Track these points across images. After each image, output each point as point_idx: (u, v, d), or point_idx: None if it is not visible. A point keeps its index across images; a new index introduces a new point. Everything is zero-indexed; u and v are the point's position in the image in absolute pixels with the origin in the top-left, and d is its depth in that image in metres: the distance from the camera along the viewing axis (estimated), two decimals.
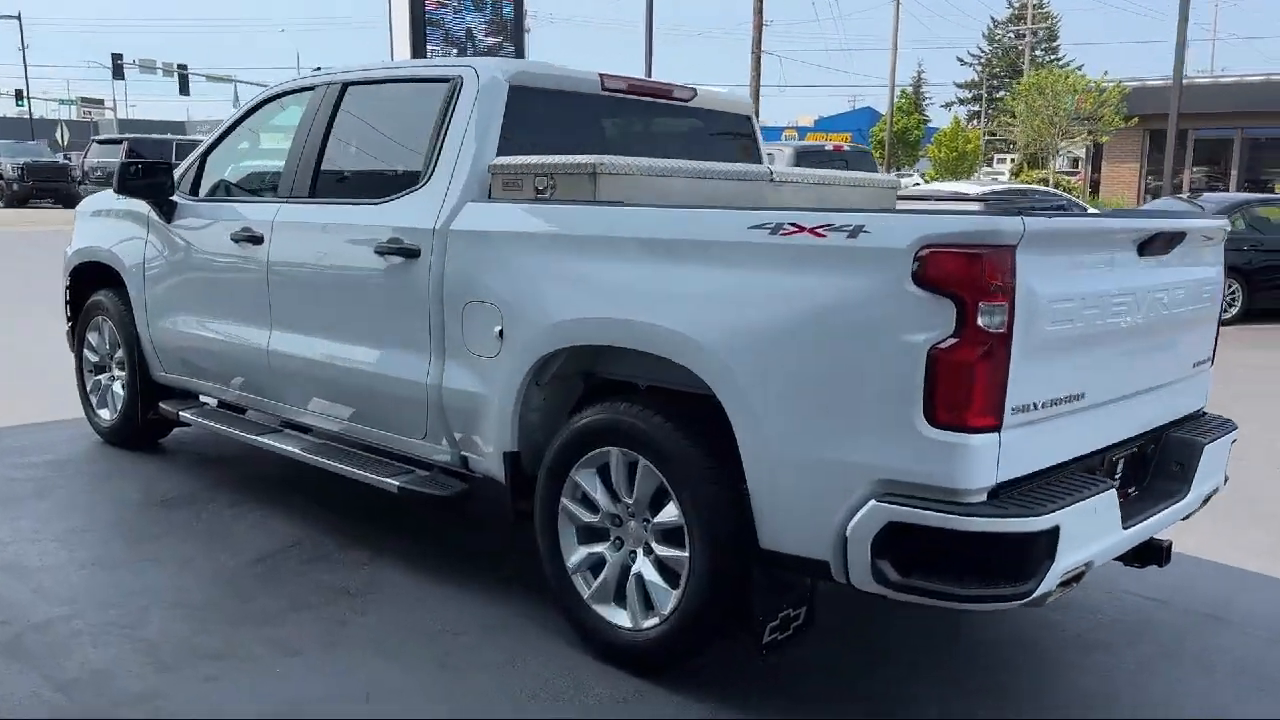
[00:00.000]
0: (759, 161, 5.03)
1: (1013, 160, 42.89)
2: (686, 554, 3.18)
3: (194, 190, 5.21)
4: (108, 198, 5.88)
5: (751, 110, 4.98)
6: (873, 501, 2.74)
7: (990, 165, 49.21)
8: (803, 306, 2.85)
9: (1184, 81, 23.66)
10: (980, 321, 2.61)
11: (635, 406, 3.29)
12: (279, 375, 4.63)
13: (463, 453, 3.96)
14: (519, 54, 21.94)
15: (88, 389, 6.04)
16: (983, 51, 70.30)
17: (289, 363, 4.55)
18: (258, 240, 4.62)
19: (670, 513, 3.22)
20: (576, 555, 3.52)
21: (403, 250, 3.95)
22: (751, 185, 4.08)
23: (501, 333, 3.62)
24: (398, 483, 4.08)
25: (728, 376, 2.98)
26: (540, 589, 3.74)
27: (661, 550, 3.28)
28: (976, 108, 66.72)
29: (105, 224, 5.78)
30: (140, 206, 5.37)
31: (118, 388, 5.80)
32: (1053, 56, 63.66)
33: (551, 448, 3.54)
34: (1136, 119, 27.52)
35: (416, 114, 4.33)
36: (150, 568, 4.09)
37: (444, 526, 4.65)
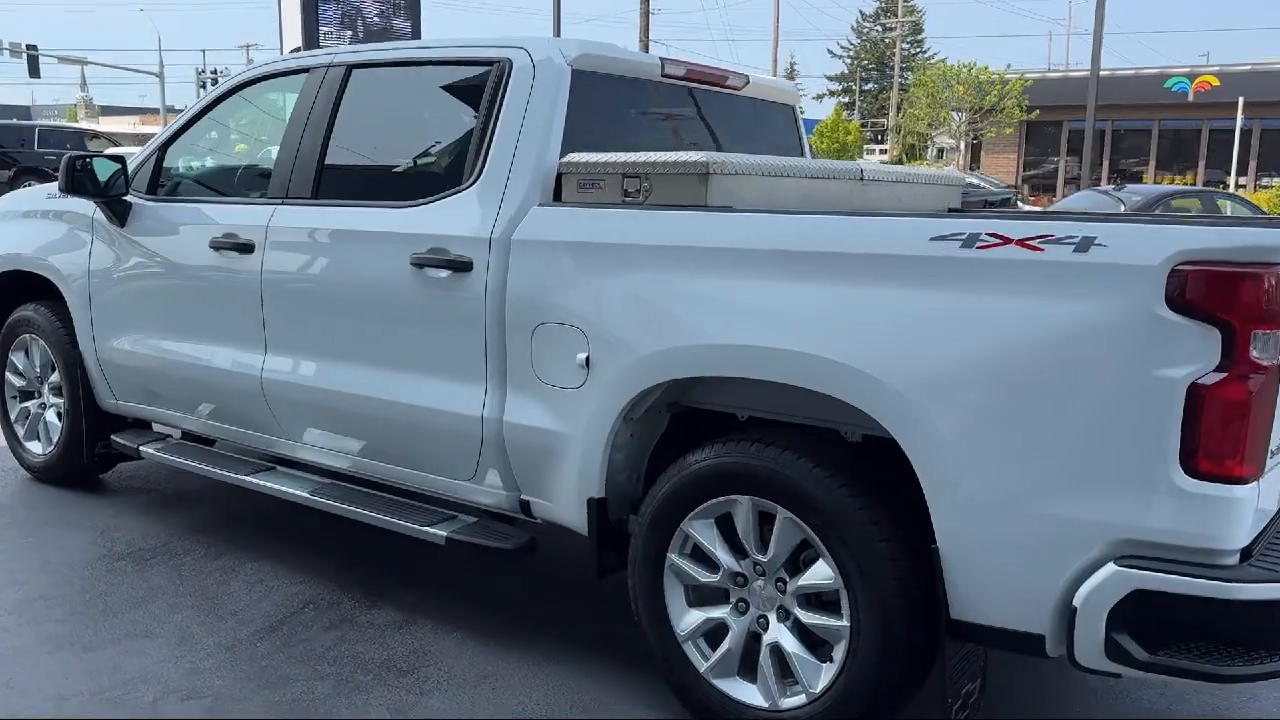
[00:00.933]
0: (804, 155, 4.58)
1: (882, 151, 43.81)
2: (845, 622, 2.71)
3: (151, 189, 4.47)
4: (35, 196, 5.06)
5: (798, 100, 4.51)
6: (1112, 565, 2.32)
7: (862, 157, 50.12)
8: (1015, 334, 2.40)
9: (1062, 75, 24.43)
10: (1254, 352, 2.21)
11: (774, 449, 2.80)
12: (275, 405, 3.96)
13: (525, 497, 3.40)
14: (415, 35, 20.95)
15: (11, 418, 5.20)
16: (851, 45, 71.36)
17: (288, 391, 3.89)
18: (246, 248, 3.94)
19: (820, 574, 2.74)
20: (688, 620, 3.01)
21: (449, 263, 3.35)
22: (844, 184, 3.62)
23: (588, 360, 3.07)
24: (445, 532, 3.49)
25: (914, 417, 2.51)
26: (628, 657, 3.22)
27: (807, 617, 2.80)
28: (847, 100, 67.70)
29: (34, 227, 4.95)
30: (82, 207, 4.60)
31: (52, 416, 4.99)
32: (919, 50, 65.18)
33: (655, 494, 3.01)
34: (1038, 111, 28.23)
35: (449, 102, 3.75)
36: (144, 646, 3.40)
37: (479, 578, 4.06)
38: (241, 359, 4.04)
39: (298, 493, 3.91)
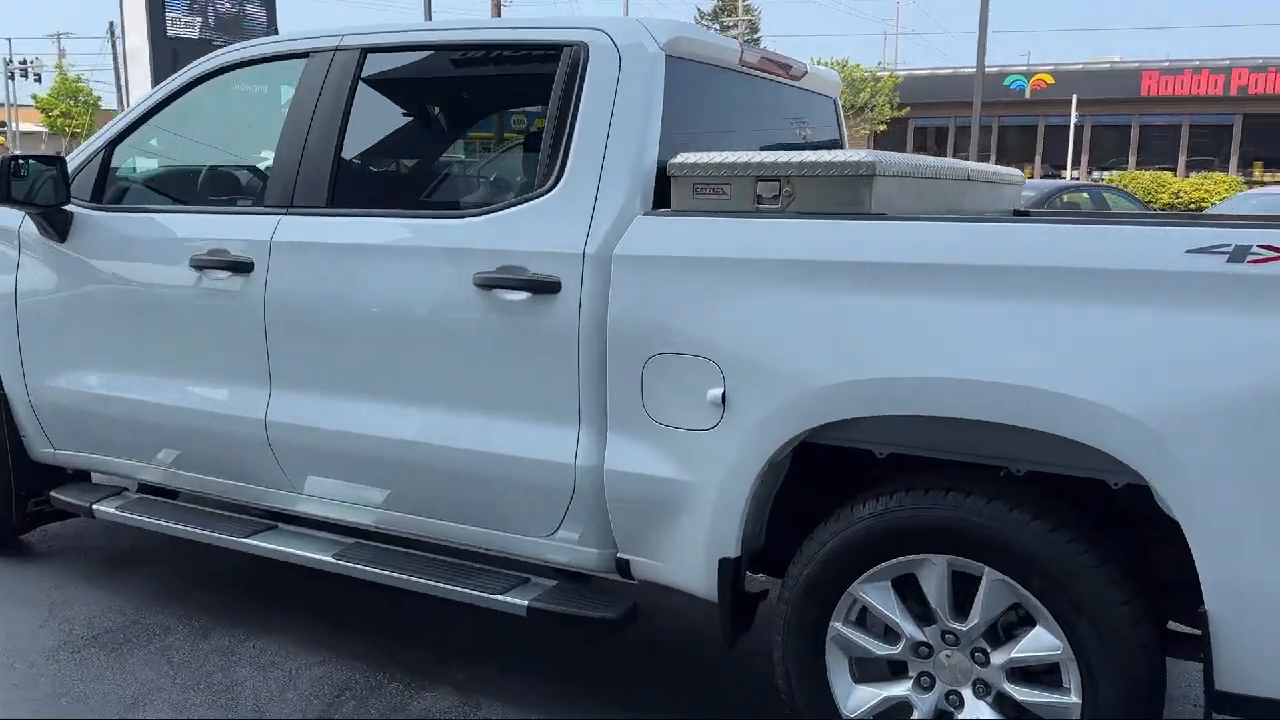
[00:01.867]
0: (844, 148, 4.20)
1: None
2: (1075, 699, 2.33)
3: (96, 197, 3.73)
4: None
5: (839, 90, 4.13)
6: None
7: None
8: None
9: (908, 74, 25.09)
10: None
11: (978, 498, 2.39)
12: (282, 452, 3.32)
13: (623, 555, 2.90)
14: (270, 24, 19.69)
15: None
16: None
17: (302, 436, 3.27)
18: (242, 268, 3.28)
19: (1042, 644, 2.35)
20: (858, 700, 2.58)
21: (529, 283, 2.82)
22: (954, 185, 3.25)
23: (724, 397, 2.59)
24: (525, 601, 2.96)
25: (1179, 461, 2.15)
26: None
27: (1023, 693, 2.41)
28: None
29: None
30: (7, 219, 3.81)
31: None
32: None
33: (813, 552, 2.57)
34: (908, 108, 28.82)
35: (505, 93, 3.22)
36: None
37: (534, 646, 3.51)
38: (235, 398, 3.38)
39: (319, 557, 3.29)
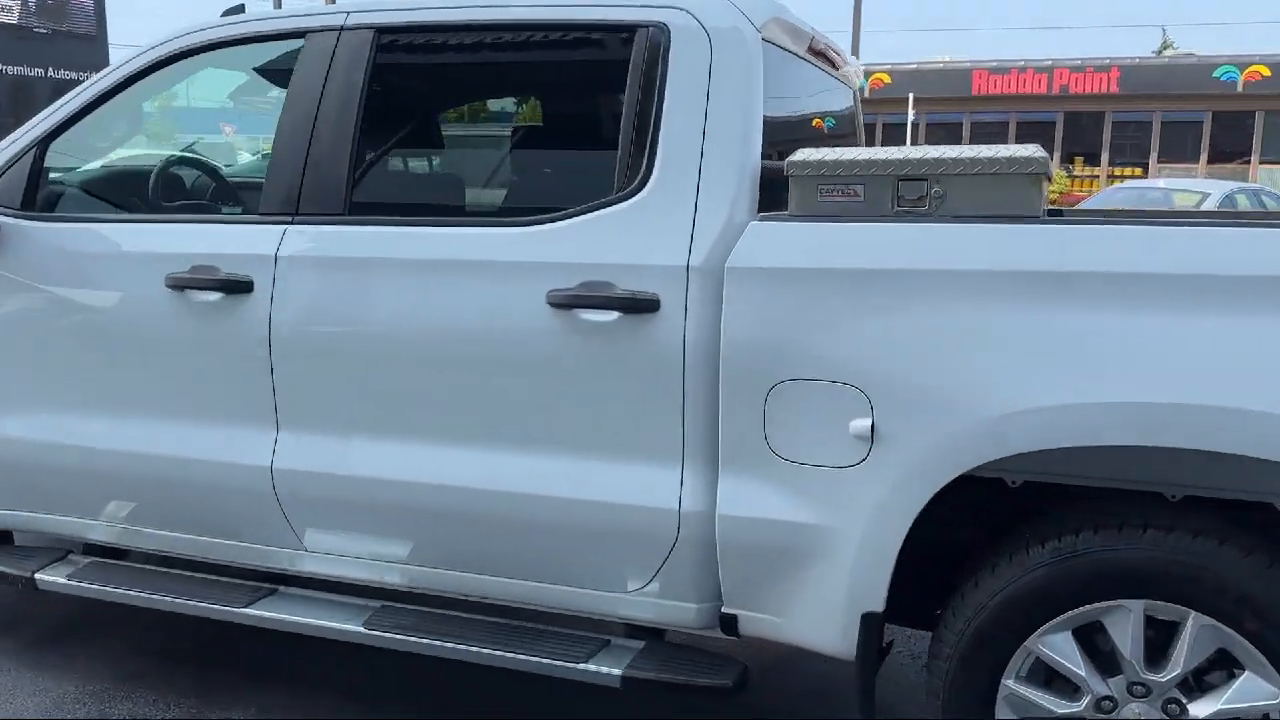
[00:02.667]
0: (861, 143, 3.93)
1: None
2: None
3: (27, 204, 3.09)
4: None
5: (861, 81, 3.85)
6: None
7: None
8: None
9: None
10: None
11: (1181, 535, 2.13)
12: (291, 503, 2.81)
13: (730, 610, 2.53)
14: (99, 11, 18.16)
15: None
16: None
17: (323, 486, 2.76)
18: (238, 287, 2.75)
19: (1256, 692, 2.12)
20: None
21: (619, 301, 2.42)
22: None
23: (872, 428, 2.26)
24: (620, 671, 2.55)
25: None
26: None
27: None
28: None
29: None
30: None
31: None
32: None
33: (985, 602, 2.26)
34: None
35: (560, 80, 2.80)
36: None
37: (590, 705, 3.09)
38: (228, 442, 2.84)
39: (348, 627, 2.79)
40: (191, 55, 3.02)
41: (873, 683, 2.37)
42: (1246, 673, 2.13)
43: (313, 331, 2.71)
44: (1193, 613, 2.13)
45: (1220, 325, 2.04)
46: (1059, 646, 2.23)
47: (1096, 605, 2.19)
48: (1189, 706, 2.19)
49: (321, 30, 2.84)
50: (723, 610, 2.54)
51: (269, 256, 2.74)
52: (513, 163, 2.96)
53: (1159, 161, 32.01)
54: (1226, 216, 3.14)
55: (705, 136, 2.46)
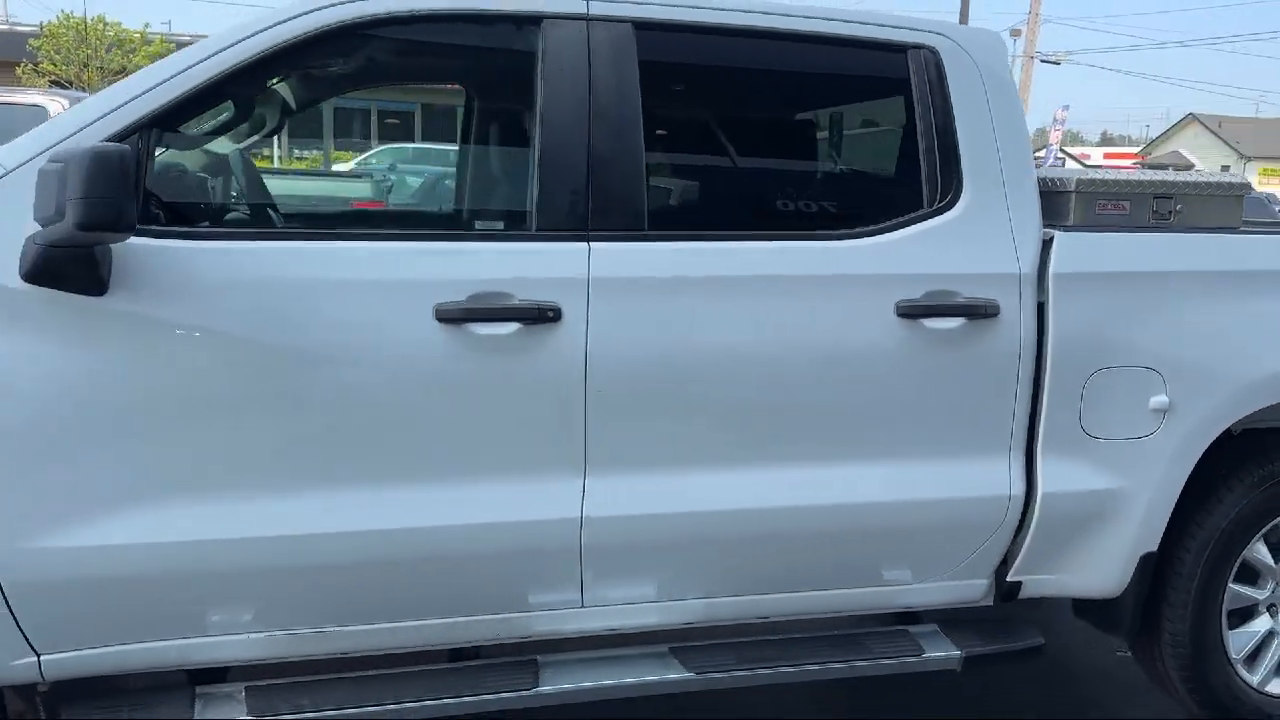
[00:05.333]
0: None
1: None
2: None
3: (147, 218, 2.22)
4: None
5: None
6: None
7: None
8: None
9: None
10: None
11: None
12: (598, 554, 2.48)
13: (1016, 578, 2.87)
14: None
15: None
16: None
17: (638, 530, 2.50)
18: (541, 316, 2.35)
19: None
20: (1239, 643, 3.01)
21: (964, 309, 2.62)
22: None
23: (1167, 402, 2.77)
24: (959, 653, 2.75)
25: None
26: None
27: None
28: None
29: None
30: (9, 261, 2.07)
31: None
32: None
33: (1215, 524, 2.90)
34: None
35: (831, 91, 2.82)
36: None
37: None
38: (521, 497, 2.41)
39: (684, 675, 2.56)
40: (359, 30, 2.41)
41: (1142, 607, 2.90)
42: None
43: (638, 360, 2.42)
44: None
45: None
46: (1260, 551, 2.98)
47: None
48: None
49: (561, 17, 2.49)
50: (1008, 579, 2.86)
51: (577, 280, 2.38)
52: (801, 174, 2.83)
53: None
54: None
55: (999, 152, 2.73)
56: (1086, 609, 3.04)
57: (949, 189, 2.68)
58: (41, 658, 2.25)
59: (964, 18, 22.35)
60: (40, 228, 2.04)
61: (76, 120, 2.22)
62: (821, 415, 2.58)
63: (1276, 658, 3.06)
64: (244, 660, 2.40)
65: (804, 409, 2.56)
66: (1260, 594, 3.03)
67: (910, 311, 2.57)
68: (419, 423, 2.33)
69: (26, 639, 2.22)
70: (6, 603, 2.17)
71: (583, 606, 2.55)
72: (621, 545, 2.50)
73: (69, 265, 2.07)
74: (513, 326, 2.33)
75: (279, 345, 2.23)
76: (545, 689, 2.49)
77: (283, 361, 2.24)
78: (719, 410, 2.50)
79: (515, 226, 2.49)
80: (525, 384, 2.37)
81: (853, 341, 2.55)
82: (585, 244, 2.41)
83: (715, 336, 2.48)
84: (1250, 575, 3.02)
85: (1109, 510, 2.81)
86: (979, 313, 2.62)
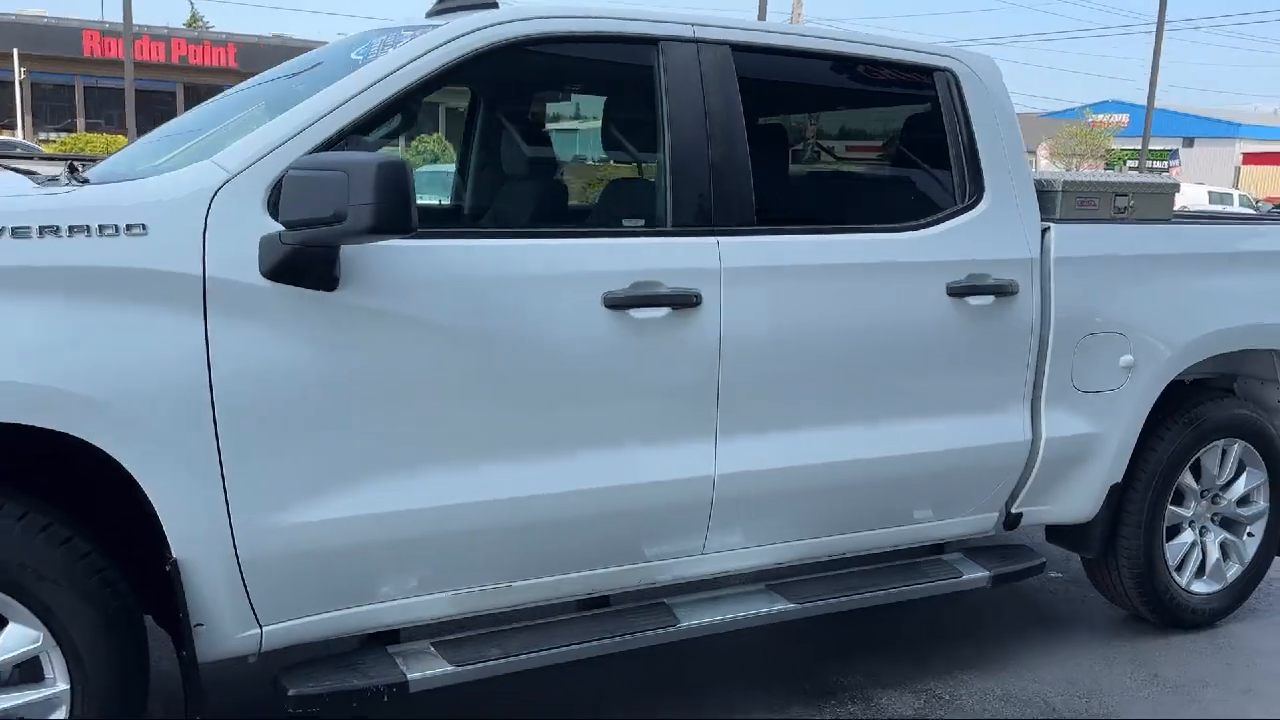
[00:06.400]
0: None
1: None
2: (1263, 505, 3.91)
3: None
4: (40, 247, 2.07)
5: None
6: None
7: None
8: None
9: None
10: None
11: (1240, 401, 3.77)
12: (723, 508, 2.88)
13: (1018, 510, 3.48)
14: None
15: None
16: None
17: (756, 484, 2.91)
18: (685, 302, 2.72)
19: (1248, 481, 3.85)
20: (1172, 553, 3.75)
21: (994, 288, 3.19)
22: None
23: (1131, 361, 3.45)
24: (988, 573, 3.33)
25: None
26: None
27: (1234, 511, 3.87)
28: None
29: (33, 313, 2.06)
30: (166, 260, 2.22)
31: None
32: None
33: (1160, 457, 3.60)
34: None
35: (879, 111, 3.29)
36: None
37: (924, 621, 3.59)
38: (664, 462, 2.77)
39: (780, 606, 3.00)
40: (533, 45, 2.71)
41: (1113, 527, 3.57)
42: (1248, 469, 3.86)
43: (756, 338, 2.83)
44: (1239, 442, 3.79)
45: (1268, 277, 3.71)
46: (1188, 478, 3.73)
47: (1209, 446, 3.72)
48: (1221, 497, 3.86)
49: (676, 40, 2.86)
50: (1013, 511, 3.46)
51: (712, 270, 2.76)
52: (866, 176, 3.24)
53: None
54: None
55: (1008, 162, 3.30)
56: (1060, 534, 3.70)
57: (975, 189, 3.23)
58: (264, 629, 2.43)
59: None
60: (280, 228, 2.24)
61: (285, 130, 2.39)
62: (892, 379, 3.07)
63: (1196, 563, 3.82)
64: (431, 619, 2.64)
65: (879, 374, 3.05)
66: (1187, 513, 3.78)
67: (957, 291, 3.10)
68: (589, 398, 2.65)
69: (254, 611, 2.40)
70: (242, 577, 2.35)
71: (703, 554, 2.94)
72: (742, 497, 2.90)
73: (311, 264, 2.27)
74: (664, 311, 2.69)
75: (478, 331, 2.50)
76: (686, 624, 2.87)
77: (482, 346, 2.51)
78: (817, 377, 2.95)
79: (656, 224, 2.84)
80: (672, 361, 2.73)
81: (915, 316, 3.06)
82: (715, 238, 2.80)
83: (812, 314, 2.92)
84: (1180, 498, 3.76)
85: (1090, 450, 3.45)
86: (1005, 291, 3.18)
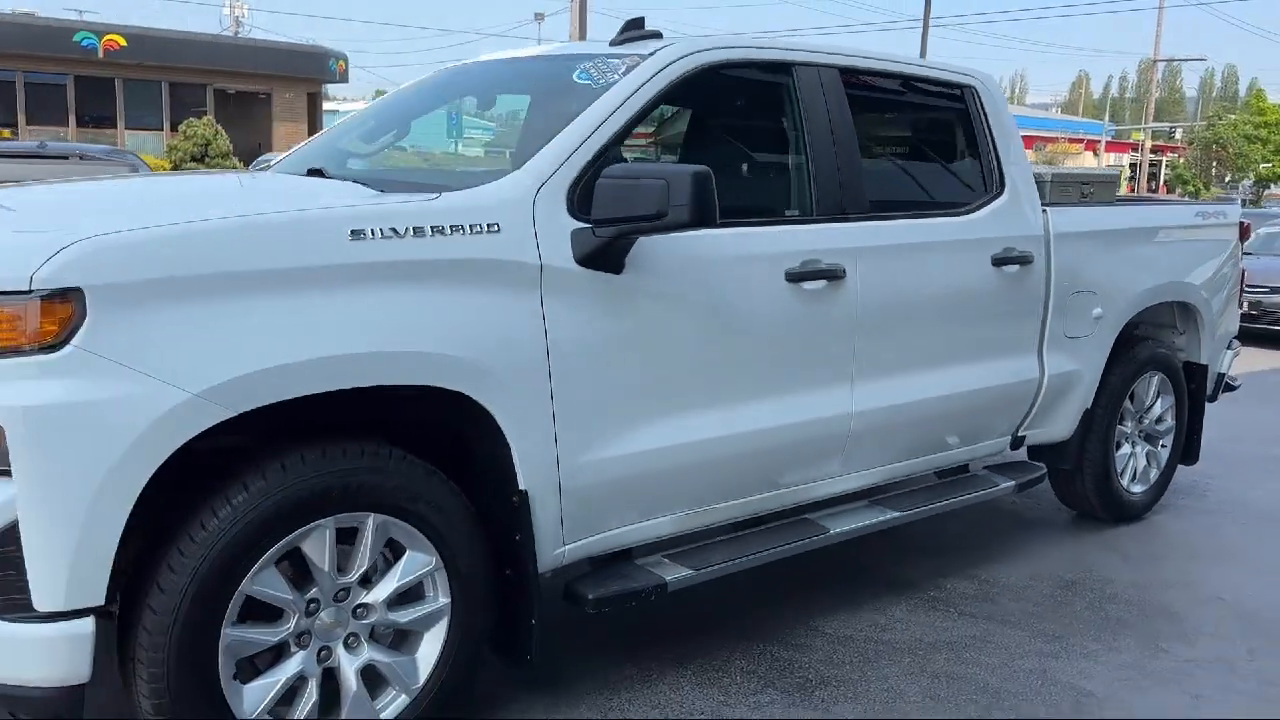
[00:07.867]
0: None
1: None
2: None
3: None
4: (401, 245, 2.53)
5: None
6: None
7: None
8: None
9: None
10: None
11: (1155, 341, 4.91)
12: (853, 440, 3.66)
13: (1022, 433, 4.45)
14: None
15: None
16: None
17: (874, 420, 3.70)
18: (835, 275, 3.48)
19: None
20: (1119, 463, 4.84)
21: (1020, 258, 4.11)
22: None
23: (1098, 312, 4.48)
24: (1013, 482, 4.27)
25: None
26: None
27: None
28: None
29: (376, 299, 2.52)
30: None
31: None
32: None
33: (1113, 386, 4.66)
34: None
35: (931, 117, 4.14)
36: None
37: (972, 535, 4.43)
38: (820, 402, 3.52)
39: (888, 515, 3.82)
40: (720, 70, 3.38)
41: (1082, 443, 4.60)
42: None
43: (881, 303, 3.61)
44: (1159, 373, 4.93)
45: (1168, 248, 4.85)
46: (1128, 403, 4.83)
47: (1139, 378, 4.83)
48: (1149, 416, 5.00)
49: (806, 65, 3.60)
50: (1018, 435, 4.43)
51: (851, 249, 3.53)
52: (929, 171, 3.99)
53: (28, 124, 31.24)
54: None
55: (1015, 159, 4.24)
56: (1042, 451, 4.70)
57: (1000, 180, 4.14)
58: (566, 548, 3.01)
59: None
60: (576, 224, 2.84)
61: (571, 143, 2.96)
62: (958, 332, 3.93)
63: (1133, 468, 4.94)
64: (656, 539, 3.28)
65: (950, 328, 3.90)
66: (1128, 429, 4.88)
67: (998, 261, 4.00)
68: (779, 353, 3.36)
69: (563, 533, 2.98)
70: (560, 505, 2.92)
71: (840, 476, 3.71)
72: (866, 430, 3.68)
73: (614, 252, 2.88)
74: (822, 283, 3.43)
75: (706, 303, 3.16)
76: (835, 530, 3.63)
77: (709, 314, 3.17)
78: (912, 331, 3.77)
79: (805, 213, 3.55)
80: (827, 322, 3.47)
81: (972, 282, 3.94)
82: (846, 224, 3.56)
83: (910, 281, 3.73)
84: (1122, 419, 4.85)
85: (1072, 384, 4.46)
86: (1027, 260, 4.11)
